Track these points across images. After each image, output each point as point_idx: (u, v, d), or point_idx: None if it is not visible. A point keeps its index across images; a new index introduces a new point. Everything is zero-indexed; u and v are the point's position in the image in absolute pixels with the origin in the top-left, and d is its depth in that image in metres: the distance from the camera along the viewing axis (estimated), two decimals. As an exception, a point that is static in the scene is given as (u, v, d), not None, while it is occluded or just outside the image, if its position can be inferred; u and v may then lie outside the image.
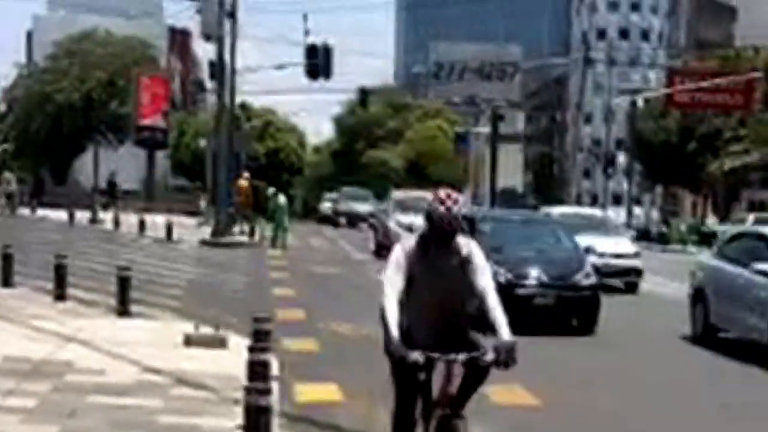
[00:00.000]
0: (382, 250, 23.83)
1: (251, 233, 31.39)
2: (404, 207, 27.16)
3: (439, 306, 5.34)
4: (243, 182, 33.99)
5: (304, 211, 68.72)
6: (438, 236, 5.28)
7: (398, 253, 5.31)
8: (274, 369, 8.42)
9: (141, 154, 60.47)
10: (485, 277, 5.30)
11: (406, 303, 5.24)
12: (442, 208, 5.18)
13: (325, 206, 54.20)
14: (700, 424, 9.20)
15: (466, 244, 5.40)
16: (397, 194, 31.18)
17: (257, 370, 6.46)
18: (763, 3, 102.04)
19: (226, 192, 31.17)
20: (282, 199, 30.54)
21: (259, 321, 7.78)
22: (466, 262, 5.33)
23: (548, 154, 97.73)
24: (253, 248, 29.16)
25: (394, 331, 5.06)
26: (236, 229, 31.75)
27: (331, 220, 49.79)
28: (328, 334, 13.07)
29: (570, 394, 10.16)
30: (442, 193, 5.26)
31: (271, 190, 32.01)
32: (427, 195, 5.94)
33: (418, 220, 11.69)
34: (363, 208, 44.55)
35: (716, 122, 54.18)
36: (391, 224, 26.82)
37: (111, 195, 47.19)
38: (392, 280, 5.23)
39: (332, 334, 13.06)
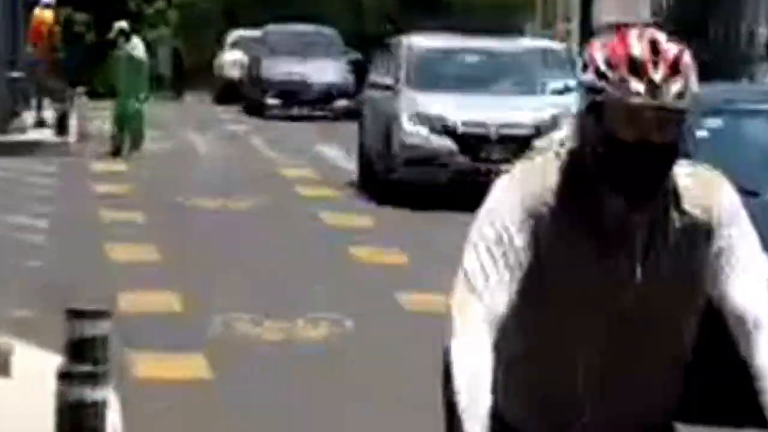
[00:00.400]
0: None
1: (61, 122, 20.49)
2: None
3: (621, 355, 2.35)
4: (45, 13, 21.95)
5: (176, 75, 45.94)
6: (623, 173, 2.22)
7: (506, 209, 2.28)
8: (115, 426, 5.45)
9: None
10: (759, 285, 2.27)
11: (516, 341, 2.37)
12: (639, 88, 2.13)
13: (228, 61, 31.87)
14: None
15: (706, 194, 2.32)
16: None
17: (75, 426, 4.36)
18: None
19: (7, 36, 20.33)
20: (134, 43, 19.95)
21: (79, 316, 4.76)
22: (708, 240, 2.29)
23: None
24: (66, 156, 20.13)
25: (476, 416, 2.22)
26: (28, 114, 21.27)
27: (246, 98, 28.44)
28: (229, 342, 9.07)
29: None
30: (637, 44, 2.15)
31: (117, 25, 20.32)
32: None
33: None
34: (324, 77, 25.97)
35: None
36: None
37: None
38: (486, 284, 2.27)
39: (238, 343, 9.12)
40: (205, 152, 21.96)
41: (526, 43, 16.97)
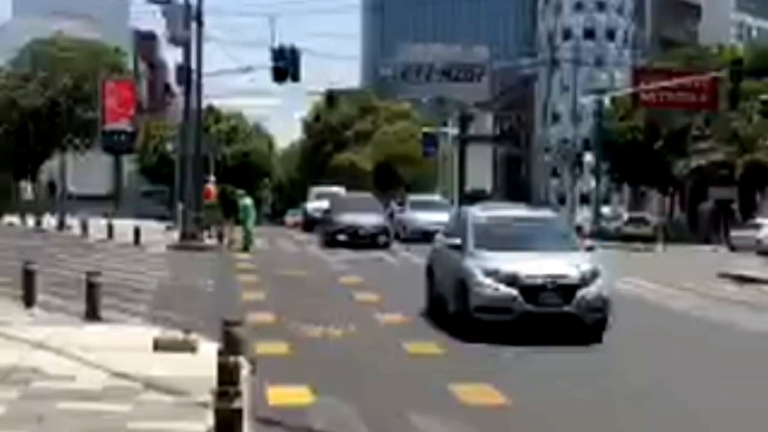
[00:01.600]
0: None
1: (220, 237, 31.61)
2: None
3: None
4: (210, 186, 34.66)
5: (273, 215, 68.53)
6: None
7: None
8: (245, 372, 8.48)
9: (108, 159, 60.04)
10: None
11: None
12: None
13: (312, 208, 42.64)
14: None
15: None
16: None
17: (227, 374, 6.49)
18: (726, 1, 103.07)
19: (194, 196, 31.46)
20: (247, 200, 31.18)
21: (228, 324, 7.80)
22: None
23: (516, 155, 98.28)
24: (221, 252, 29.50)
25: None
26: (205, 233, 32.14)
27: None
28: (298, 337, 13.15)
29: (535, 389, 10.26)
30: None
31: (239, 192, 32.62)
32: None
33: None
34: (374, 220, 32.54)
35: (682, 121, 54.71)
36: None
37: (51, 196, 47.04)
38: None
39: (302, 337, 13.15)
40: (285, 249, 32.15)
41: (549, 213, 17.26)
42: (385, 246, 30.77)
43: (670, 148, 55.51)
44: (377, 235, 31.70)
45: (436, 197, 45.01)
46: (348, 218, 31.66)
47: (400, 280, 21.34)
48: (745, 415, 9.43)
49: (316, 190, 46.04)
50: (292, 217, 58.84)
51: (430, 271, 16.22)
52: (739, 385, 11.01)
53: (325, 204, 37.02)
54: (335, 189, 45.24)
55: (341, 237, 31.49)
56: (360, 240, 30.94)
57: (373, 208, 33.81)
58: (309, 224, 41.83)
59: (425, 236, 29.26)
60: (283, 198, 73.61)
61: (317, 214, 39.31)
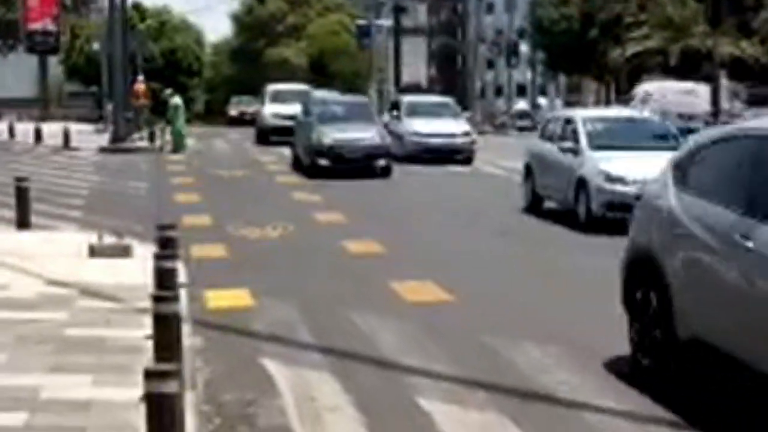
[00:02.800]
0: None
1: (151, 138, 30.96)
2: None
3: None
4: (140, 85, 33.65)
5: (206, 112, 67.34)
6: None
7: None
8: (182, 276, 8.36)
9: (33, 61, 58.30)
10: None
11: None
12: None
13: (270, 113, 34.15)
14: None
15: None
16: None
17: (164, 278, 6.40)
18: None
19: (122, 96, 30.90)
20: (176, 99, 30.10)
21: (163, 228, 7.67)
22: None
23: (452, 47, 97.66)
24: (153, 153, 29.04)
25: None
26: (135, 134, 31.51)
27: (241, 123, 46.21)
28: (236, 239, 13.07)
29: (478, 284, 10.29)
30: None
31: (168, 91, 31.61)
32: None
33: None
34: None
35: (617, 8, 54.58)
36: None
37: None
38: None
39: (240, 239, 13.05)
40: (220, 149, 32.45)
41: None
42: (385, 173, 22.45)
43: (605, 36, 55.49)
44: (375, 156, 22.61)
45: (447, 99, 32.42)
46: (331, 133, 22.45)
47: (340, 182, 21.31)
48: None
49: (273, 87, 35.07)
50: (238, 106, 56.96)
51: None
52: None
53: (290, 109, 28.58)
54: (301, 87, 36.36)
55: (322, 162, 22.16)
56: (349, 165, 22.18)
57: (366, 116, 24.42)
58: (263, 134, 32.75)
59: (430, 155, 25.46)
60: (216, 97, 72.28)
61: (276, 122, 31.40)
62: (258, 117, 35.00)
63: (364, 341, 7.85)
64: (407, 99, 30.53)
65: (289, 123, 27.11)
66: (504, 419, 5.94)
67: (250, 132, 36.47)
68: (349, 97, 30.57)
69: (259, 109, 35.65)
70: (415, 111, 27.88)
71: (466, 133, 27.05)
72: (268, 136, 31.95)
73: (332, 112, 24.41)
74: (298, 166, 23.61)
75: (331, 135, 22.37)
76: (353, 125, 23.10)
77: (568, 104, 56.43)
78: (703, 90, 34.68)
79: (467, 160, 26.14)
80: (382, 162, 22.48)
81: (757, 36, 46.80)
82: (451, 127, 26.85)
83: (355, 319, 8.63)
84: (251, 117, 43.11)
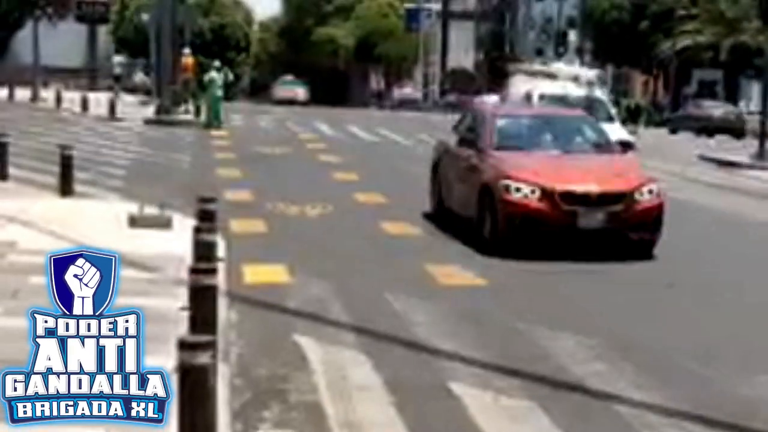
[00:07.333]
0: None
1: (197, 112, 31.01)
2: None
3: None
4: (187, 59, 33.69)
5: (252, 90, 67.55)
6: None
7: None
8: (221, 250, 8.38)
9: (82, 30, 58.75)
10: None
11: None
12: None
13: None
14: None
15: None
16: None
17: (203, 251, 6.39)
18: None
19: (170, 69, 30.91)
20: (212, 73, 29.88)
21: (204, 201, 7.69)
22: None
23: (500, 33, 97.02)
24: (198, 127, 29.02)
25: None
26: (181, 108, 31.56)
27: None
28: (276, 215, 13.09)
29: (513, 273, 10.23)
30: None
31: (215, 63, 31.49)
32: None
33: None
34: None
35: (669, 1, 53.88)
36: None
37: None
38: None
39: (280, 216, 13.07)
40: (263, 126, 32.48)
41: None
42: None
43: (656, 29, 54.81)
44: None
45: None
46: None
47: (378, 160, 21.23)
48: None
49: (520, 68, 24.99)
50: (284, 88, 57.30)
51: None
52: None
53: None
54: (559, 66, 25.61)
55: None
56: None
57: None
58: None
59: None
60: (262, 74, 72.39)
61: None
62: None
63: (397, 322, 7.81)
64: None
65: None
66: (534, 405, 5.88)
67: (294, 110, 36.51)
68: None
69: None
70: None
71: None
72: None
73: None
74: None
75: None
76: None
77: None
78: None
79: None
80: None
81: (810, 34, 45.96)
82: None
83: (390, 300, 8.59)
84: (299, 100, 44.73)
